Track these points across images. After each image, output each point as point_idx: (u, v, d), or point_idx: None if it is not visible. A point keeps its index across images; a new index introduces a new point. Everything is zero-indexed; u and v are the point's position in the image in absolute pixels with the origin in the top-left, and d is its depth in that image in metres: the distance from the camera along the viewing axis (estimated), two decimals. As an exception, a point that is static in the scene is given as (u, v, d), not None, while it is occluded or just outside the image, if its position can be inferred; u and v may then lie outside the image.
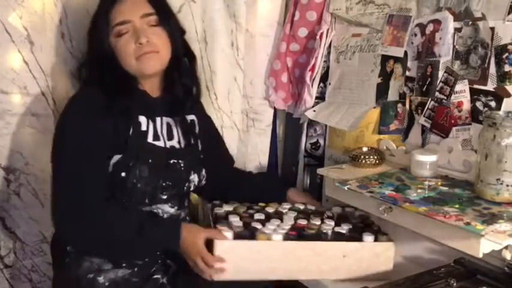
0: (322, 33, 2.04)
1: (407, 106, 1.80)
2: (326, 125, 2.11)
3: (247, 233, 1.56)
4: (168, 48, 1.69)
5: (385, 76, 1.86)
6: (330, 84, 2.09)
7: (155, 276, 1.64)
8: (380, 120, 1.88)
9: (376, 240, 1.58)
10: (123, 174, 1.58)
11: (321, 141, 2.18)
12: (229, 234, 1.53)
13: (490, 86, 1.54)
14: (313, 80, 2.10)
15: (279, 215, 1.71)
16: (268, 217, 1.68)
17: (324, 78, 2.11)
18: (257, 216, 1.68)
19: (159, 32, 1.66)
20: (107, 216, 1.54)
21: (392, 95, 1.85)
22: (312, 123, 2.17)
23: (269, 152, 2.33)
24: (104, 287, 1.58)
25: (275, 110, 2.31)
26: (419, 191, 1.51)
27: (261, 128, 2.29)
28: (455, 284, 1.40)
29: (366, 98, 1.93)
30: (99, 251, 1.59)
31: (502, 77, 1.51)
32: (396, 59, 1.82)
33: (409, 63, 1.78)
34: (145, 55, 1.62)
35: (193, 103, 1.83)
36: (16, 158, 1.80)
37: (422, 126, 1.75)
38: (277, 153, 2.42)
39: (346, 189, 1.57)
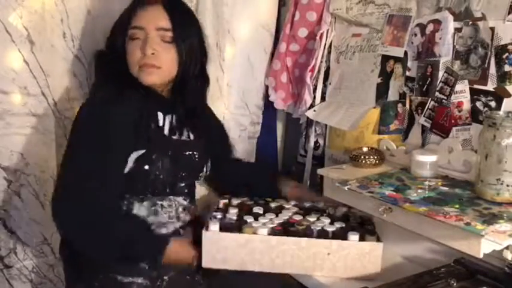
0: (322, 34, 2.04)
1: (407, 106, 1.80)
2: (326, 125, 2.11)
3: (235, 225, 1.62)
4: (172, 67, 1.68)
5: (385, 76, 1.86)
6: (330, 84, 2.09)
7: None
8: (380, 120, 1.88)
9: (362, 239, 1.58)
10: (146, 167, 1.62)
11: (321, 141, 2.18)
12: (216, 226, 1.58)
13: (490, 86, 1.54)
14: (316, 80, 2.10)
15: (278, 210, 1.75)
16: (266, 211, 1.73)
17: (324, 78, 2.11)
18: (255, 210, 1.74)
19: (169, 49, 1.66)
20: (109, 214, 1.56)
21: (392, 95, 1.85)
22: (311, 123, 2.17)
23: (269, 152, 2.33)
24: (147, 269, 1.61)
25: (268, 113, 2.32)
26: (419, 191, 1.50)
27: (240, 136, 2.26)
28: (455, 284, 1.40)
29: (366, 98, 1.93)
30: (85, 242, 1.57)
31: (502, 77, 1.51)
32: (396, 59, 1.82)
33: (409, 63, 1.78)
34: (147, 68, 1.64)
35: (195, 123, 1.80)
36: (16, 159, 1.80)
37: (423, 126, 1.75)
38: (277, 153, 2.42)
39: (346, 189, 1.57)
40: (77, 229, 1.54)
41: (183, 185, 1.75)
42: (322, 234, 1.62)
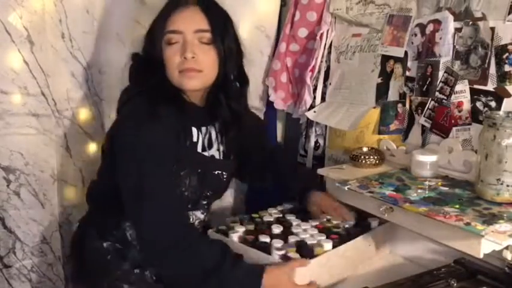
0: (322, 34, 2.04)
1: (407, 106, 1.80)
2: (326, 125, 2.11)
3: (308, 250, 1.52)
4: (213, 69, 1.61)
5: (385, 76, 1.86)
6: (330, 84, 2.09)
7: None
8: (380, 120, 1.88)
9: None
10: None
11: (321, 141, 2.18)
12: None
13: (490, 86, 1.55)
14: (317, 80, 2.10)
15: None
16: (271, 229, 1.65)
17: (324, 78, 2.11)
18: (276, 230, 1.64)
19: (208, 51, 1.59)
20: (194, 242, 1.48)
21: (392, 95, 1.85)
22: (311, 123, 2.17)
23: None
24: (152, 280, 1.59)
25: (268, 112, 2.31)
26: (419, 191, 1.50)
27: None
28: (455, 284, 1.40)
29: (366, 98, 1.93)
30: (176, 274, 1.49)
31: (502, 77, 1.51)
32: (396, 59, 1.82)
33: (409, 63, 1.78)
34: (188, 72, 1.57)
35: (238, 127, 1.74)
36: (16, 158, 1.80)
37: (423, 126, 1.75)
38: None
39: (346, 189, 1.57)
40: (173, 266, 1.46)
41: (205, 202, 1.72)
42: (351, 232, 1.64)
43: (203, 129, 1.67)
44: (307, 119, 2.15)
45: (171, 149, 1.53)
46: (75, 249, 1.75)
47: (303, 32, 2.11)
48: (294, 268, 1.42)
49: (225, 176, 1.72)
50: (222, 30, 1.62)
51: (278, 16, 2.23)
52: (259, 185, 1.98)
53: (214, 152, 1.71)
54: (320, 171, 1.85)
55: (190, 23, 1.58)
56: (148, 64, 1.62)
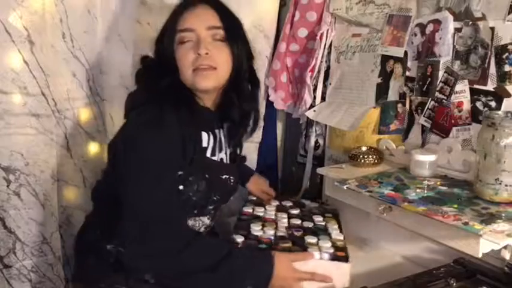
0: (322, 34, 2.04)
1: (407, 106, 1.80)
2: (326, 125, 2.11)
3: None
4: (227, 67, 1.60)
5: (385, 76, 1.86)
6: (330, 84, 2.09)
7: None
8: (380, 120, 1.88)
9: None
10: (181, 187, 1.56)
11: (321, 141, 2.18)
12: (317, 253, 1.52)
13: (490, 86, 1.54)
14: (316, 80, 2.10)
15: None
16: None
17: (324, 78, 2.11)
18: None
19: (222, 48, 1.58)
20: (196, 245, 1.48)
21: (392, 95, 1.85)
22: (311, 123, 2.17)
23: (269, 152, 2.33)
24: (152, 283, 1.55)
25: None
26: (418, 190, 1.51)
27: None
28: (455, 284, 1.40)
29: (366, 98, 1.93)
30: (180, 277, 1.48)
31: (502, 77, 1.51)
32: (396, 59, 1.82)
33: (409, 63, 1.78)
34: (203, 71, 1.55)
35: (246, 129, 1.75)
36: (16, 159, 1.80)
37: (423, 126, 1.75)
38: (277, 153, 2.42)
39: (345, 188, 1.57)
40: (176, 266, 1.46)
41: (211, 207, 1.69)
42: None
43: (216, 131, 1.66)
44: (307, 118, 2.15)
45: (174, 160, 1.51)
46: (78, 247, 1.75)
47: (302, 32, 2.11)
48: (301, 258, 1.49)
49: (232, 181, 1.71)
50: (234, 28, 1.62)
51: (277, 16, 2.23)
52: None
53: (223, 155, 1.70)
54: (319, 170, 1.85)
55: (203, 20, 1.57)
56: (159, 67, 1.60)
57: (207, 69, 1.55)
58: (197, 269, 1.43)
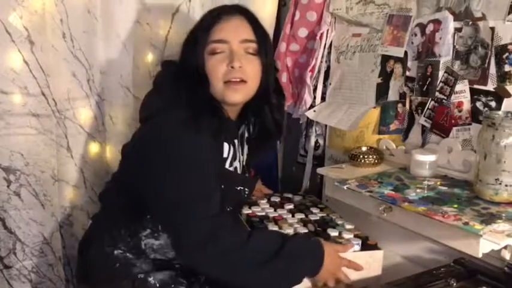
0: (322, 34, 2.04)
1: (407, 106, 1.80)
2: (326, 125, 2.11)
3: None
4: (257, 80, 1.59)
5: (385, 76, 1.86)
6: (330, 84, 2.09)
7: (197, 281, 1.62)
8: (380, 120, 1.88)
9: None
10: None
11: (321, 141, 2.18)
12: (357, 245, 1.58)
13: (490, 86, 1.54)
14: (317, 80, 2.10)
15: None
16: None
17: (324, 78, 2.11)
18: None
19: (254, 61, 1.57)
20: (256, 235, 1.51)
21: (392, 95, 1.85)
22: (311, 123, 2.17)
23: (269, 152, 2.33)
24: (156, 287, 1.56)
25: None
26: (418, 190, 1.51)
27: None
28: (455, 284, 1.40)
29: (366, 98, 1.93)
30: (239, 275, 1.49)
31: (502, 77, 1.51)
32: (396, 59, 1.82)
33: (409, 63, 1.78)
34: (234, 85, 1.54)
35: (276, 138, 1.79)
36: (16, 159, 1.80)
37: (423, 126, 1.75)
38: (277, 153, 2.42)
39: (345, 188, 1.57)
40: (233, 269, 1.48)
41: None
42: None
43: (236, 141, 1.65)
44: (307, 119, 2.15)
45: (212, 162, 1.51)
46: (83, 249, 1.74)
47: (303, 32, 2.11)
48: (343, 249, 1.54)
49: (246, 193, 1.70)
50: (266, 42, 1.61)
51: (277, 16, 2.23)
52: None
53: (237, 163, 1.68)
54: (319, 170, 1.85)
55: (237, 33, 1.55)
56: (185, 74, 1.57)
57: (238, 82, 1.54)
58: (261, 259, 1.45)
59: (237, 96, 1.56)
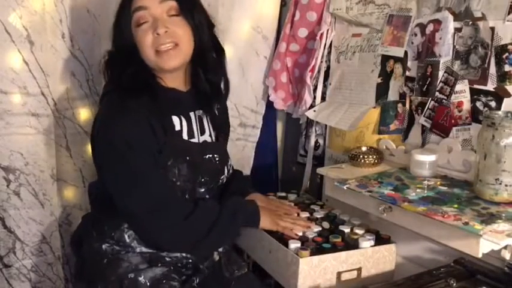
0: (322, 34, 2.04)
1: (407, 106, 1.80)
2: (326, 125, 2.11)
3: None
4: (189, 41, 1.59)
5: (385, 76, 1.86)
6: (330, 84, 2.09)
7: (191, 278, 1.63)
8: (380, 120, 1.87)
9: None
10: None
11: (321, 141, 2.18)
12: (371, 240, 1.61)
13: (490, 86, 1.54)
14: (317, 80, 2.10)
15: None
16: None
17: (324, 78, 2.11)
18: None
19: (179, 23, 1.56)
20: (189, 207, 1.56)
21: (392, 95, 1.85)
22: (311, 123, 2.17)
23: (269, 152, 2.33)
24: (146, 286, 1.55)
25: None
26: (418, 190, 1.50)
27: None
28: (455, 284, 1.40)
29: (366, 98, 1.93)
30: (189, 242, 1.58)
31: (502, 77, 1.50)
32: (396, 59, 1.82)
33: (409, 63, 1.78)
34: (166, 52, 1.54)
35: (219, 98, 1.77)
36: (16, 158, 1.81)
37: (423, 126, 1.75)
38: (277, 153, 2.42)
39: (345, 188, 1.57)
40: (185, 238, 1.57)
41: (203, 190, 1.67)
42: None
43: (191, 114, 1.66)
44: (307, 119, 2.15)
45: (148, 141, 1.52)
46: (74, 247, 1.75)
47: (303, 32, 2.11)
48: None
49: (217, 159, 1.70)
50: (188, 0, 1.61)
51: (278, 16, 2.23)
52: None
53: (207, 137, 1.69)
54: (319, 170, 1.85)
55: None
56: (120, 56, 1.59)
57: (170, 48, 1.55)
58: (206, 226, 1.55)
59: (172, 61, 1.57)
